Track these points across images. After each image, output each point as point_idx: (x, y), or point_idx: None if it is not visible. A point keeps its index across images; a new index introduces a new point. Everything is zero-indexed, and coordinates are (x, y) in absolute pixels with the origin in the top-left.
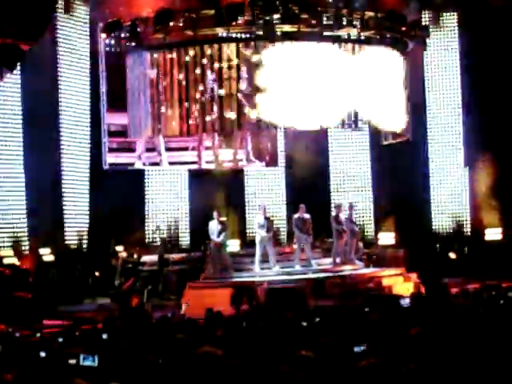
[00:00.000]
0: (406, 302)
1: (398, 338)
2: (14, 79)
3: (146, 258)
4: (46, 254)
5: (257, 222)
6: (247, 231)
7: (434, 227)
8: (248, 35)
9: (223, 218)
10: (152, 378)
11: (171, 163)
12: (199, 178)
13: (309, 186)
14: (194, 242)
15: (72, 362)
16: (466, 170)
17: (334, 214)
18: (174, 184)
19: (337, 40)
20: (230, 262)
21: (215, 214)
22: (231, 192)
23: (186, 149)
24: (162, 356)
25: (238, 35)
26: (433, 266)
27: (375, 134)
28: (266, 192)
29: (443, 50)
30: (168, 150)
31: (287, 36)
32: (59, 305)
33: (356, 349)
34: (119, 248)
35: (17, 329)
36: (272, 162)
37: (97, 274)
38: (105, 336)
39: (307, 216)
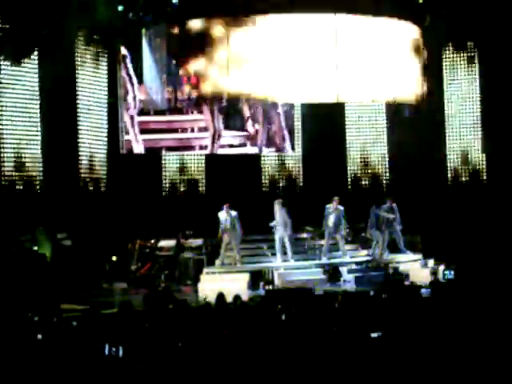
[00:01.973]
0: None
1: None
2: (31, 63)
3: (163, 243)
4: (64, 239)
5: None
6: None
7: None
8: None
9: (233, 212)
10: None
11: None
12: (215, 163)
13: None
14: (211, 228)
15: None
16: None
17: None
18: (191, 168)
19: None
20: (238, 255)
21: (225, 206)
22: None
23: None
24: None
25: None
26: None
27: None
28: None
29: None
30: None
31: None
32: (76, 289)
33: (373, 335)
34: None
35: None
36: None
37: (114, 258)
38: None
39: (341, 208)
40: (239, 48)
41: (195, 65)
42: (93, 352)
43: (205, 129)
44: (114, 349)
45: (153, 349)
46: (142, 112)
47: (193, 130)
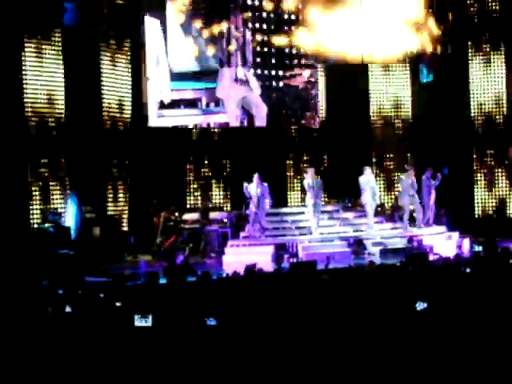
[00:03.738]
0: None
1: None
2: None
3: (187, 216)
4: (88, 212)
5: (306, 183)
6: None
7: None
8: None
9: (265, 183)
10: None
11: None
12: (239, 137)
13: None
14: (236, 201)
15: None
16: None
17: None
18: (214, 143)
19: None
20: (265, 224)
21: (256, 176)
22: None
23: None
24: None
25: None
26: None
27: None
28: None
29: None
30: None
31: None
32: (101, 262)
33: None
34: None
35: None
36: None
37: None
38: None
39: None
40: None
41: None
42: (122, 323)
43: None
44: (143, 319)
45: (181, 320)
46: None
47: None
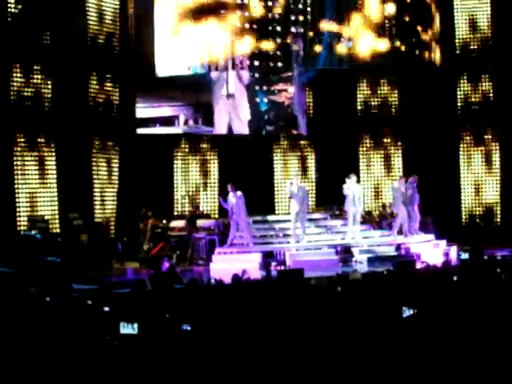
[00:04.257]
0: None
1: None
2: None
3: (174, 224)
4: (76, 219)
5: (290, 191)
6: (275, 200)
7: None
8: None
9: (238, 193)
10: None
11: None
12: (228, 145)
13: None
14: (223, 208)
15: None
16: None
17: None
18: (202, 151)
19: None
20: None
21: (228, 186)
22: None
23: None
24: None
25: None
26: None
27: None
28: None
29: None
30: None
31: None
32: (88, 269)
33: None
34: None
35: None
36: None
37: (125, 238)
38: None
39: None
40: None
41: None
42: (107, 329)
43: None
44: (129, 325)
45: (168, 326)
46: None
47: None
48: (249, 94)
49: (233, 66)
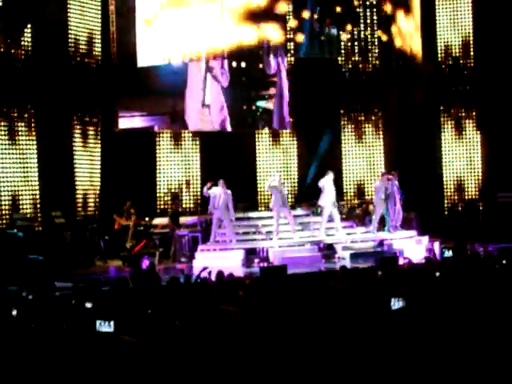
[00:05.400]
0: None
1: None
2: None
3: (157, 221)
4: (58, 217)
5: (269, 186)
6: (259, 196)
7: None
8: None
9: (228, 190)
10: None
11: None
12: (211, 142)
13: None
14: (205, 205)
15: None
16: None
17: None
18: (185, 147)
19: None
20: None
21: (221, 182)
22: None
23: None
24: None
25: None
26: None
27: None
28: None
29: None
30: None
31: None
32: (71, 267)
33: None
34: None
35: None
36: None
37: (106, 237)
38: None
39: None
40: None
41: None
42: (84, 328)
43: None
44: (106, 323)
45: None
46: None
47: None
48: (227, 96)
49: (210, 70)
